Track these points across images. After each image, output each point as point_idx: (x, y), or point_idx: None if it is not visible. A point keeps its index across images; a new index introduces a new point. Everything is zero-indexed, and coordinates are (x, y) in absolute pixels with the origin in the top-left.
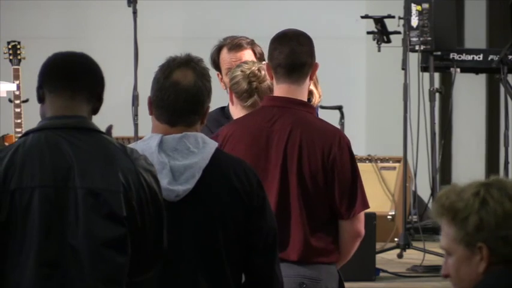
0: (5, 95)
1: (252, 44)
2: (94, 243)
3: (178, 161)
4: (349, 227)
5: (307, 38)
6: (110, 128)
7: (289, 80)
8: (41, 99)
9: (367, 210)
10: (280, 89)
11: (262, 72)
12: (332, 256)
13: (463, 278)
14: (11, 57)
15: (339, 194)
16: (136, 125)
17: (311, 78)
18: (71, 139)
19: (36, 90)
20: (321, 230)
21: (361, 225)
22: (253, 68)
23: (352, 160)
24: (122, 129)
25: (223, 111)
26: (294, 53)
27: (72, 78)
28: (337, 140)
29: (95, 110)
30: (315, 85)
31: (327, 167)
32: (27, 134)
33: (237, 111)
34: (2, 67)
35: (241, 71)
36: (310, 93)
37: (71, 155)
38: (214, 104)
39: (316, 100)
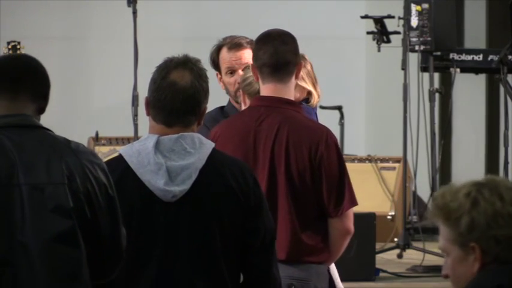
0: None
1: (251, 44)
2: (43, 239)
3: (174, 162)
4: (338, 225)
5: (291, 37)
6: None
7: (274, 79)
8: None
9: (367, 211)
10: (266, 89)
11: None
12: (321, 255)
13: (459, 277)
14: None
15: (326, 192)
16: (136, 125)
17: (297, 77)
18: (13, 137)
19: None
20: (310, 229)
21: (350, 222)
22: None
23: (340, 158)
24: (121, 130)
25: (222, 111)
26: (277, 52)
27: (13, 80)
28: (324, 138)
29: (41, 110)
30: (314, 85)
31: (314, 165)
32: None
33: None
34: None
35: None
36: (309, 93)
37: (14, 153)
38: (212, 104)
39: (315, 100)
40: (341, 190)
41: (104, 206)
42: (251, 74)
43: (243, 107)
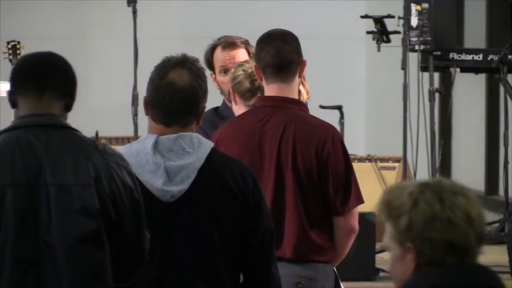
0: (4, 94)
1: (246, 44)
2: (68, 239)
3: (173, 162)
4: (343, 223)
5: (293, 36)
6: None
7: (278, 79)
8: (13, 104)
9: (367, 210)
10: (270, 89)
11: None
12: (328, 254)
13: (398, 275)
14: (10, 57)
15: (333, 190)
16: (136, 125)
17: (300, 76)
18: (41, 136)
19: (8, 96)
20: (317, 227)
21: (355, 220)
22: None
23: (346, 156)
24: (121, 129)
25: (217, 111)
26: (280, 52)
27: (39, 78)
28: (330, 135)
29: (68, 107)
30: (302, 83)
31: (321, 163)
32: None
33: (241, 111)
34: (1, 67)
35: (243, 71)
36: (298, 91)
37: (42, 152)
38: (209, 105)
39: (304, 98)
40: (348, 188)
41: (129, 208)
42: (241, 72)
43: (234, 106)
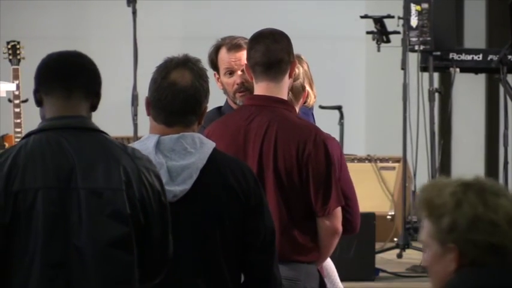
0: (4, 95)
1: None
2: (99, 243)
3: (175, 162)
4: (325, 224)
5: (283, 35)
6: None
7: (267, 78)
8: (38, 102)
9: (367, 210)
10: (259, 88)
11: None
12: (311, 255)
13: (435, 274)
14: (10, 57)
15: (313, 191)
16: (135, 125)
17: (290, 76)
18: (72, 139)
19: (33, 94)
20: (299, 227)
21: (337, 222)
22: None
23: (328, 157)
24: (121, 129)
25: (220, 111)
26: (269, 50)
27: (67, 78)
28: (312, 137)
29: (94, 107)
30: (310, 86)
31: (301, 164)
32: (28, 135)
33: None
34: (1, 67)
35: None
36: (306, 94)
37: (73, 155)
38: (211, 104)
39: (311, 101)
40: (328, 189)
41: (157, 212)
42: None
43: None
